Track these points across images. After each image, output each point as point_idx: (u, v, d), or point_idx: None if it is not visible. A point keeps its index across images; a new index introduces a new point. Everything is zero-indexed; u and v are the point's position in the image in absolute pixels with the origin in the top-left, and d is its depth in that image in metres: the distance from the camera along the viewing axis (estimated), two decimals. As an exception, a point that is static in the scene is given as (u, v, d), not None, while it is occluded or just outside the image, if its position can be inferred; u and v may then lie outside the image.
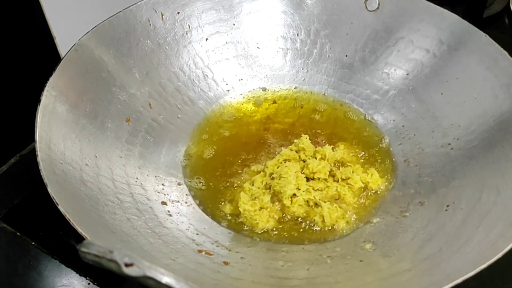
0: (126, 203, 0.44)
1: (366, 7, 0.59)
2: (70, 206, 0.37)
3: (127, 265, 0.25)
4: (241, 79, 0.61)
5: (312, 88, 0.61)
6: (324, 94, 0.60)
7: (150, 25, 0.55)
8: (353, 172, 0.50)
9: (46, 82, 0.44)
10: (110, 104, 0.50)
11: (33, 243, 0.48)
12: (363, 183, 0.50)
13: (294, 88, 0.61)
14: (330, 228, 0.47)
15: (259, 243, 0.46)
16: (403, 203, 0.48)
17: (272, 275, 0.41)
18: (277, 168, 0.50)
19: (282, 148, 0.52)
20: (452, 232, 0.41)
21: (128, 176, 0.47)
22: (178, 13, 0.57)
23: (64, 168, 0.41)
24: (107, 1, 0.58)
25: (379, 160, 0.53)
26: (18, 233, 0.49)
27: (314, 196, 0.48)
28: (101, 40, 0.51)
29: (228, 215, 0.48)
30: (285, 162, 0.50)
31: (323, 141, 0.55)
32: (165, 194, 0.48)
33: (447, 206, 0.45)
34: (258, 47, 0.61)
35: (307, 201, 0.48)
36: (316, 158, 0.51)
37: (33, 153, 0.40)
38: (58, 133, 0.43)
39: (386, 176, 0.52)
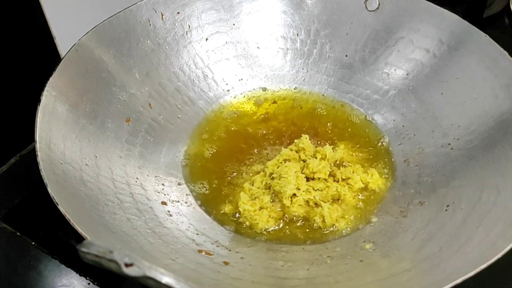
0: (126, 203, 0.44)
1: (366, 7, 0.59)
2: (70, 206, 0.37)
3: (127, 265, 0.25)
4: (241, 79, 0.61)
5: (312, 88, 0.61)
6: (324, 94, 0.60)
7: (150, 25, 0.55)
8: (353, 172, 0.50)
9: (46, 82, 0.44)
10: (110, 104, 0.50)
11: (33, 243, 0.48)
12: (363, 183, 0.50)
13: (294, 88, 0.61)
14: (330, 228, 0.47)
15: (259, 243, 0.46)
16: (403, 203, 0.48)
17: (272, 275, 0.41)
18: (277, 168, 0.50)
19: (282, 148, 0.52)
20: (452, 232, 0.41)
21: (128, 176, 0.47)
22: (178, 13, 0.57)
23: (64, 168, 0.41)
24: (107, 1, 0.58)
25: (379, 160, 0.53)
26: (18, 233, 0.49)
27: (314, 196, 0.48)
28: (101, 40, 0.51)
29: (228, 215, 0.48)
30: (285, 162, 0.50)
31: (323, 141, 0.55)
32: (165, 194, 0.48)
33: (447, 206, 0.45)
34: (258, 47, 0.61)
35: (307, 201, 0.48)
36: (316, 158, 0.51)
37: (33, 153, 0.40)
38: (58, 133, 0.43)
39: (386, 176, 0.52)
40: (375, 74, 0.59)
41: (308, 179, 0.50)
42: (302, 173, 0.49)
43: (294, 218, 0.48)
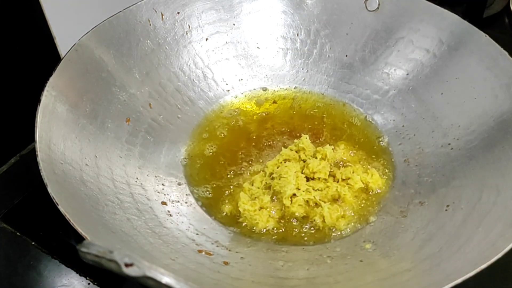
0: (126, 203, 0.44)
1: (366, 7, 0.59)
2: (70, 206, 0.37)
3: (127, 265, 0.25)
4: (241, 79, 0.61)
5: (312, 88, 0.61)
6: (324, 94, 0.60)
7: (150, 25, 0.55)
8: (353, 172, 0.50)
9: (46, 82, 0.44)
10: (110, 104, 0.50)
11: (33, 243, 0.48)
12: (363, 183, 0.50)
13: (294, 88, 0.61)
14: (330, 228, 0.47)
15: (259, 243, 0.46)
16: (403, 203, 0.48)
17: (272, 275, 0.41)
18: (277, 168, 0.50)
19: (282, 148, 0.52)
20: (452, 232, 0.41)
21: (128, 176, 0.47)
22: (178, 13, 0.57)
23: (64, 168, 0.41)
24: (107, 1, 0.58)
25: (379, 160, 0.53)
26: (18, 233, 0.49)
27: (314, 196, 0.48)
28: (101, 40, 0.51)
29: (228, 215, 0.48)
30: (285, 162, 0.50)
31: (323, 141, 0.55)
32: (165, 194, 0.48)
33: (447, 206, 0.45)
34: (258, 47, 0.61)
35: (307, 201, 0.48)
36: (316, 158, 0.51)
37: (33, 153, 0.40)
38: (58, 133, 0.43)
39: (386, 176, 0.52)
40: (375, 74, 0.59)
41: (308, 179, 0.50)
42: (302, 173, 0.49)
43: (294, 218, 0.48)
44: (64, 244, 0.49)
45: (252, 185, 0.49)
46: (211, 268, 0.41)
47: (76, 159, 0.43)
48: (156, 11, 0.55)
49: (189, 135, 0.55)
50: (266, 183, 0.49)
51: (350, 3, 0.59)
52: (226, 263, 0.42)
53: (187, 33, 0.58)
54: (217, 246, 0.44)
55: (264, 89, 0.61)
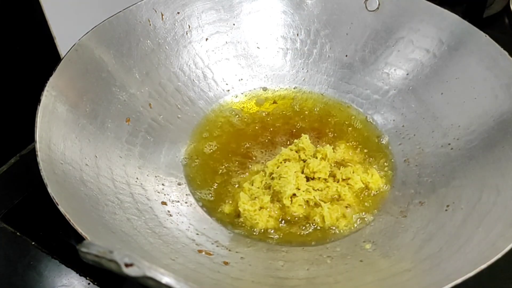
0: (126, 203, 0.44)
1: (366, 7, 0.59)
2: (70, 206, 0.37)
3: (127, 265, 0.25)
4: (241, 79, 0.61)
5: (312, 88, 0.61)
6: (324, 94, 0.60)
7: (150, 25, 0.55)
8: (353, 172, 0.50)
9: (46, 82, 0.44)
10: (110, 104, 0.50)
11: (33, 243, 0.48)
12: (363, 183, 0.50)
13: (294, 88, 0.61)
14: (330, 228, 0.47)
15: (259, 243, 0.46)
16: (403, 203, 0.48)
17: (272, 275, 0.41)
18: (277, 168, 0.50)
19: (282, 148, 0.52)
20: (452, 232, 0.41)
21: (128, 176, 0.47)
22: (178, 13, 0.57)
23: (64, 168, 0.41)
24: (107, 1, 0.58)
25: (379, 160, 0.53)
26: (18, 233, 0.49)
27: (314, 196, 0.48)
28: (101, 40, 0.51)
29: (228, 215, 0.48)
30: (285, 162, 0.50)
31: (323, 141, 0.55)
32: (165, 194, 0.48)
33: (447, 206, 0.45)
34: (258, 47, 0.61)
35: (307, 201, 0.48)
36: (316, 158, 0.51)
37: (33, 153, 0.40)
38: (58, 133, 0.43)
39: (386, 176, 0.52)
40: (375, 74, 0.59)
41: (308, 179, 0.50)
42: (302, 173, 0.49)
43: (294, 218, 0.48)
44: (64, 244, 0.49)
45: (252, 185, 0.49)
46: (211, 268, 0.41)
47: (76, 159, 0.43)
48: (156, 11, 0.55)
49: (189, 135, 0.55)
50: (266, 183, 0.49)
51: (350, 3, 0.59)
52: (226, 263, 0.42)
53: (187, 33, 0.58)
54: (217, 246, 0.44)
55: (264, 89, 0.61)
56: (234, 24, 0.60)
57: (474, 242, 0.39)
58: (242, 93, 0.60)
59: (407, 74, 0.57)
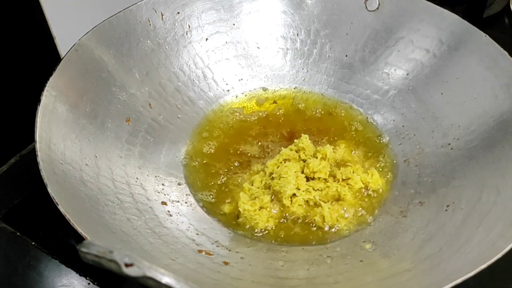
0: (126, 203, 0.44)
1: (366, 7, 0.59)
2: (70, 206, 0.37)
3: (127, 265, 0.25)
4: (241, 79, 0.61)
5: (312, 88, 0.61)
6: (324, 94, 0.60)
7: (150, 25, 0.55)
8: (353, 172, 0.50)
9: (46, 82, 0.44)
10: (110, 104, 0.50)
11: (33, 243, 0.48)
12: (363, 183, 0.50)
13: (294, 88, 0.61)
14: (330, 228, 0.47)
15: (259, 243, 0.46)
16: (403, 203, 0.48)
17: (272, 275, 0.41)
18: (277, 168, 0.50)
19: (282, 148, 0.52)
20: (452, 232, 0.41)
21: (128, 176, 0.47)
22: (178, 13, 0.57)
23: (64, 168, 0.41)
24: (107, 1, 0.58)
25: (379, 160, 0.53)
26: (18, 233, 0.49)
27: (314, 196, 0.48)
28: (101, 40, 0.51)
29: (228, 215, 0.48)
30: (285, 162, 0.50)
31: (323, 141, 0.55)
32: (165, 194, 0.48)
33: (447, 206, 0.45)
34: (258, 47, 0.61)
35: (307, 201, 0.48)
36: (317, 157, 0.51)
37: (33, 153, 0.40)
38: (58, 133, 0.43)
39: (386, 176, 0.52)
40: (375, 74, 0.59)
41: (308, 179, 0.50)
42: (302, 173, 0.49)
43: (294, 218, 0.48)
44: (64, 244, 0.49)
45: (252, 185, 0.49)
46: (211, 268, 0.41)
47: (76, 159, 0.43)
48: (156, 11, 0.55)
49: (189, 135, 0.55)
50: (266, 183, 0.49)
51: (350, 3, 0.59)
52: (226, 263, 0.42)
53: (187, 33, 0.58)
54: (217, 246, 0.44)
55: (264, 89, 0.61)
56: (234, 24, 0.60)
57: (474, 242, 0.39)
58: (242, 93, 0.60)
59: (407, 74, 0.57)
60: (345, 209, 0.48)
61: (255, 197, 0.48)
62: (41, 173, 0.38)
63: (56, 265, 0.46)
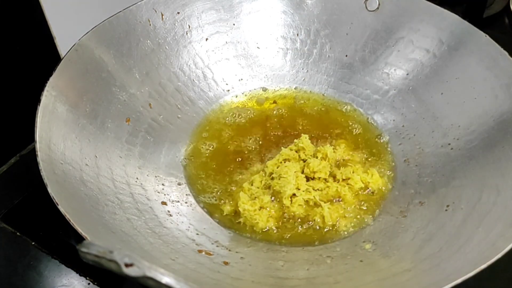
0: (126, 203, 0.44)
1: (366, 7, 0.59)
2: (70, 206, 0.37)
3: (127, 265, 0.25)
4: (241, 79, 0.61)
5: (312, 88, 0.61)
6: (324, 94, 0.60)
7: (150, 25, 0.55)
8: (353, 172, 0.50)
9: (46, 82, 0.44)
10: (110, 104, 0.50)
11: (33, 243, 0.48)
12: (363, 183, 0.50)
13: (294, 88, 0.61)
14: (330, 228, 0.47)
15: (259, 243, 0.46)
16: (403, 203, 0.48)
17: (272, 275, 0.41)
18: (277, 168, 0.50)
19: (282, 148, 0.52)
20: (452, 232, 0.41)
21: (128, 176, 0.47)
22: (178, 13, 0.57)
23: (64, 168, 0.41)
24: (107, 1, 0.58)
25: (379, 160, 0.53)
26: (18, 233, 0.49)
27: (314, 196, 0.48)
28: (101, 40, 0.51)
29: (228, 215, 0.48)
30: (284, 162, 0.50)
31: (323, 141, 0.55)
32: (165, 194, 0.48)
33: (447, 206, 0.45)
34: (258, 47, 0.61)
35: (307, 201, 0.48)
36: (317, 157, 0.51)
37: (33, 153, 0.40)
38: (58, 133, 0.43)
39: (386, 176, 0.52)
40: (375, 74, 0.59)
41: (308, 179, 0.50)
42: (302, 173, 0.49)
43: (294, 218, 0.48)
44: (64, 244, 0.49)
45: (252, 185, 0.49)
46: (211, 268, 0.41)
47: (76, 159, 0.43)
48: (156, 11, 0.55)
49: (189, 135, 0.55)
50: (265, 183, 0.49)
51: (350, 3, 0.59)
52: (226, 263, 0.42)
53: (187, 33, 0.58)
54: (217, 246, 0.44)
55: (264, 89, 0.61)
56: (234, 24, 0.60)
57: (474, 242, 0.39)
58: (242, 93, 0.60)
59: (407, 74, 0.57)
60: (345, 209, 0.48)
61: (255, 197, 0.48)
62: (41, 173, 0.38)
63: (56, 265, 0.46)
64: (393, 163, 0.53)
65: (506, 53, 0.50)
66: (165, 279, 0.26)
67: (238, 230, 0.47)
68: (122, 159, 0.48)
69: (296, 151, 0.51)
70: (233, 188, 0.50)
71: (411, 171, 0.51)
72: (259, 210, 0.47)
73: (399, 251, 0.42)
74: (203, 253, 0.43)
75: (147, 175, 0.49)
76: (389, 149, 0.54)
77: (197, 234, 0.45)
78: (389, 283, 0.39)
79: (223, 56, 0.60)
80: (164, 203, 0.47)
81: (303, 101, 0.60)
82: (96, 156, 0.46)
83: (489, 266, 0.35)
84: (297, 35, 0.62)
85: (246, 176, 0.51)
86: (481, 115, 0.50)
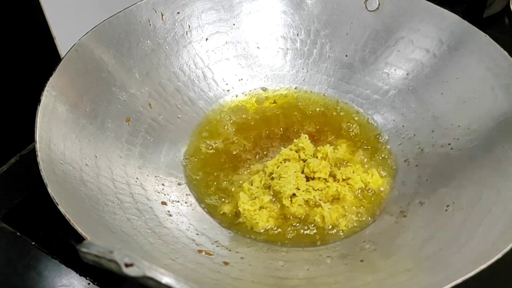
0: (126, 203, 0.44)
1: (366, 7, 0.59)
2: (70, 206, 0.37)
3: (127, 265, 0.25)
4: (241, 79, 0.61)
5: (312, 88, 0.61)
6: (324, 94, 0.60)
7: (150, 25, 0.55)
8: (353, 172, 0.50)
9: (46, 82, 0.44)
10: (110, 104, 0.50)
11: (33, 243, 0.48)
12: (363, 183, 0.50)
13: (294, 88, 0.61)
14: (330, 228, 0.47)
15: (259, 243, 0.46)
16: (403, 203, 0.48)
17: (272, 275, 0.41)
18: (277, 168, 0.50)
19: (282, 147, 0.52)
20: (452, 232, 0.41)
21: (128, 176, 0.47)
22: (178, 13, 0.57)
23: (64, 168, 0.41)
24: (107, 1, 0.58)
25: (379, 160, 0.53)
26: (18, 233, 0.49)
27: (314, 196, 0.48)
28: (101, 40, 0.51)
29: (228, 215, 0.48)
30: (284, 162, 0.50)
31: (323, 141, 0.55)
32: (165, 194, 0.48)
33: (447, 206, 0.45)
34: (258, 47, 0.61)
35: (307, 201, 0.48)
36: (317, 157, 0.51)
37: (33, 153, 0.40)
38: (58, 133, 0.43)
39: (386, 176, 0.52)
40: (375, 74, 0.59)
41: (308, 179, 0.50)
42: (302, 173, 0.49)
43: (294, 218, 0.48)
44: (64, 244, 0.49)
45: (252, 185, 0.49)
46: (211, 268, 0.41)
47: (76, 159, 0.43)
48: (156, 11, 0.55)
49: (189, 135, 0.55)
50: (266, 183, 0.49)
51: (350, 3, 0.59)
52: (226, 263, 0.42)
53: (187, 33, 0.58)
54: (217, 246, 0.44)
55: (264, 89, 0.61)
56: (234, 24, 0.60)
57: (474, 242, 0.39)
58: (242, 93, 0.60)
59: (407, 74, 0.57)
60: (345, 209, 0.48)
61: (255, 197, 0.48)
62: (41, 173, 0.38)
63: (56, 265, 0.46)
64: (393, 163, 0.53)
65: (506, 53, 0.50)
66: (165, 279, 0.26)
67: (238, 230, 0.47)
68: (122, 159, 0.48)
69: (296, 151, 0.51)
70: (233, 188, 0.50)
71: (411, 171, 0.51)
72: (259, 210, 0.47)
73: (399, 251, 0.42)
74: (203, 253, 0.43)
75: (147, 175, 0.49)
76: (389, 149, 0.54)
77: (197, 234, 0.45)
78: (389, 283, 0.39)
79: (223, 56, 0.60)
80: (164, 203, 0.47)
81: (303, 101, 0.60)
82: (96, 156, 0.46)
83: (489, 266, 0.35)
84: (297, 35, 0.62)
85: (246, 176, 0.51)
86: (481, 115, 0.49)
